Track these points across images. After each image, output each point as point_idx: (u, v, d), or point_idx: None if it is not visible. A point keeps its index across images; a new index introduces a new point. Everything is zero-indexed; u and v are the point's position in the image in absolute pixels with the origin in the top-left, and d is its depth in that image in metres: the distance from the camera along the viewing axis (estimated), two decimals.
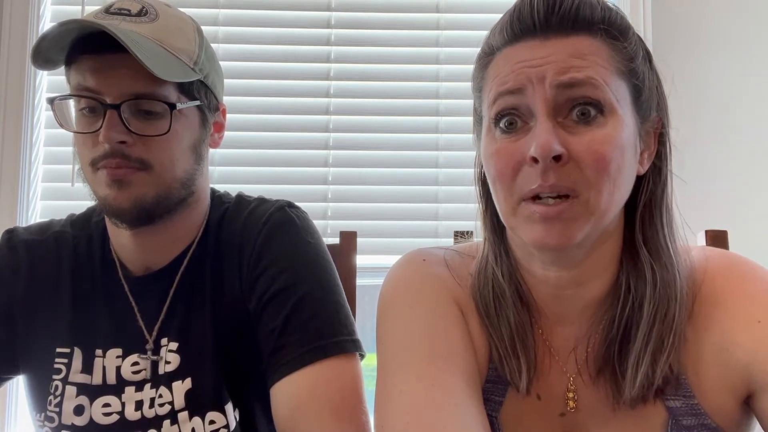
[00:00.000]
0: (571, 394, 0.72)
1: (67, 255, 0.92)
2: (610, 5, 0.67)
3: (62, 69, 0.84)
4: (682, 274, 0.69)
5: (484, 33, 0.72)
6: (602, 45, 0.64)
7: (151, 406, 0.86)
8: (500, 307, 0.72)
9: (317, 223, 0.97)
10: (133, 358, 0.88)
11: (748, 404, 0.69)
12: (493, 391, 0.73)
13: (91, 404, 0.86)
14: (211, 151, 0.95)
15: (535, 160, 0.61)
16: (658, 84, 0.70)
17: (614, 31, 0.65)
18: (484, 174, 0.72)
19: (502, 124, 0.66)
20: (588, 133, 0.62)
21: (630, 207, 0.70)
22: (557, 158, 0.61)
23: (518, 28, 0.65)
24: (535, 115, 0.63)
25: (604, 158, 0.61)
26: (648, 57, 0.69)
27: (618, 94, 0.64)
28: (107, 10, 0.82)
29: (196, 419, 0.85)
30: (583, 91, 0.62)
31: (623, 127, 0.63)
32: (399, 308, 0.75)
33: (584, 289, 0.70)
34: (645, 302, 0.68)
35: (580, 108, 0.62)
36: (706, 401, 0.68)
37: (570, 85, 0.62)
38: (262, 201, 0.96)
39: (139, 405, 0.86)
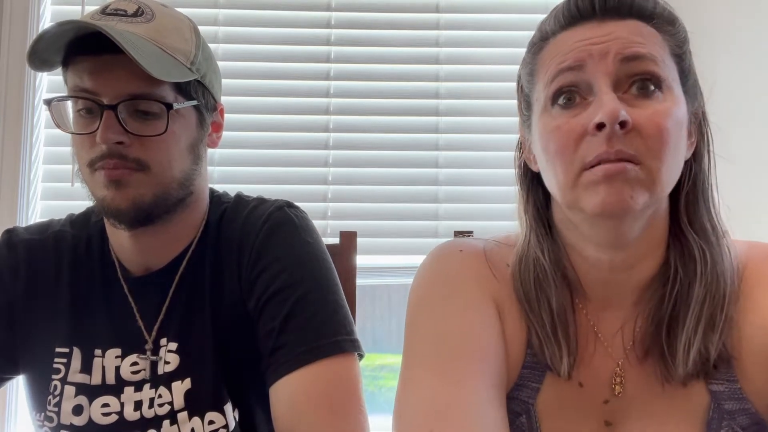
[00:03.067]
0: (618, 378, 0.72)
1: (67, 254, 0.93)
2: None
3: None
4: (731, 250, 0.71)
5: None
6: (655, 30, 0.67)
7: (151, 406, 0.86)
8: (541, 291, 0.72)
9: (317, 223, 0.97)
10: (133, 358, 0.88)
11: None
12: (529, 377, 0.73)
13: (90, 404, 0.86)
14: (211, 151, 0.95)
15: (598, 127, 0.62)
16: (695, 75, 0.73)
17: (665, 19, 0.68)
18: (524, 162, 0.75)
19: (560, 101, 0.67)
20: (649, 106, 0.64)
21: (675, 191, 0.71)
22: (622, 125, 0.62)
23: (576, 13, 0.68)
24: (595, 89, 0.65)
25: (667, 129, 0.63)
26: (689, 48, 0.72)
27: (672, 74, 0.67)
28: (103, 11, 0.83)
29: (196, 419, 0.85)
30: (644, 65, 0.65)
31: (680, 104, 0.66)
32: (433, 302, 0.75)
33: (634, 271, 0.71)
34: (696, 281, 0.69)
35: (639, 82, 0.65)
36: (749, 385, 0.69)
37: (634, 57, 0.64)
38: (261, 201, 0.96)
39: (138, 405, 0.86)
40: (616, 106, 0.62)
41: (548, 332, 0.71)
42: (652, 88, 0.65)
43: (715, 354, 0.68)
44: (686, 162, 0.70)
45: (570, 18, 0.68)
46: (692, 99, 0.70)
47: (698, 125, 0.72)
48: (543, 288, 0.72)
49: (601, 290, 0.73)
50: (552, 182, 0.70)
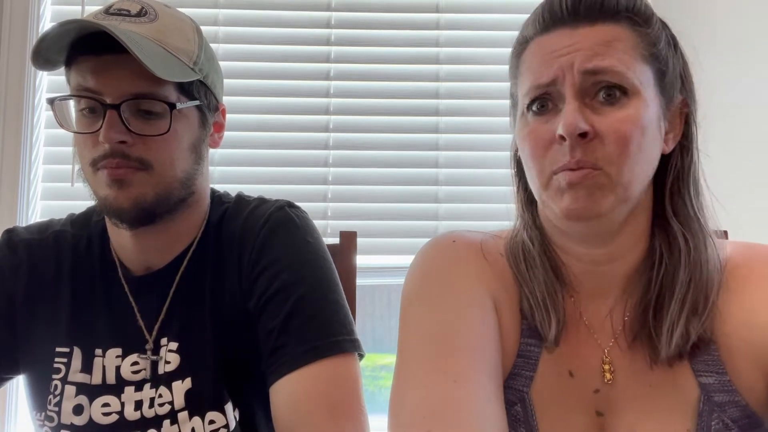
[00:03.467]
0: (607, 366, 0.73)
1: (67, 254, 0.93)
2: None
3: (62, 69, 0.84)
4: (714, 241, 0.73)
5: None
6: (626, 32, 0.69)
7: (151, 405, 0.86)
8: (530, 269, 0.75)
9: (317, 223, 0.97)
10: (133, 357, 0.88)
11: None
12: (523, 365, 0.73)
13: (90, 404, 0.86)
14: (211, 151, 0.95)
15: (562, 138, 0.66)
16: (684, 66, 0.75)
17: (638, 18, 0.70)
18: (518, 155, 0.77)
19: (534, 108, 0.71)
20: (612, 113, 0.67)
21: (661, 184, 0.74)
22: (583, 135, 0.66)
23: (549, 18, 0.70)
24: (565, 98, 0.68)
25: (626, 136, 0.66)
26: (673, 41, 0.74)
27: (641, 77, 0.68)
28: (107, 11, 0.83)
29: (196, 419, 0.85)
30: (607, 77, 0.67)
31: (646, 108, 0.68)
32: (428, 296, 0.75)
33: (618, 264, 0.74)
34: (680, 267, 0.71)
35: (605, 90, 0.67)
36: (738, 378, 0.70)
37: (594, 72, 0.67)
38: (262, 201, 0.96)
39: (138, 405, 0.86)
40: (575, 120, 0.66)
41: (538, 300, 0.74)
42: (618, 94, 0.67)
43: (695, 337, 0.70)
44: (671, 154, 0.73)
45: (544, 24, 0.71)
46: (670, 96, 0.71)
47: (683, 119, 0.74)
48: (531, 267, 0.75)
49: (587, 281, 0.75)
50: (530, 181, 0.74)
